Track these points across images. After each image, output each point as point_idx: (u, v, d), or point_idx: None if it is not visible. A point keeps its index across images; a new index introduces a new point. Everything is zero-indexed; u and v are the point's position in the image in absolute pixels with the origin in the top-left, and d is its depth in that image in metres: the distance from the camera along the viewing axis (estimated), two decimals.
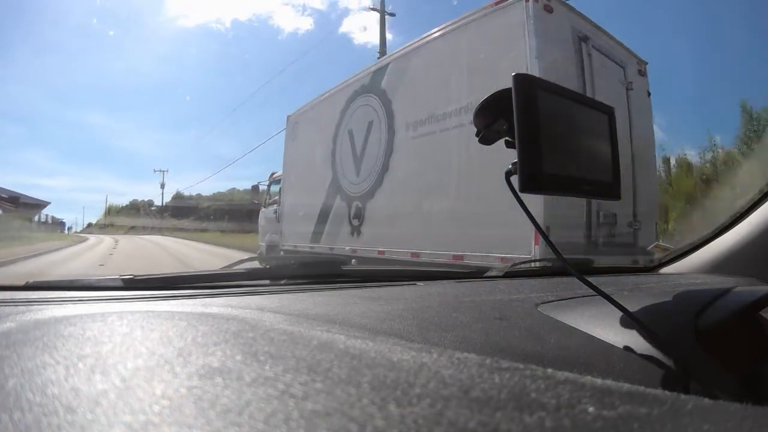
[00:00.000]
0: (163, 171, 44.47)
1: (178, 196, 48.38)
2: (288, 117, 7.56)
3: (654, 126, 4.56)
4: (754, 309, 0.69)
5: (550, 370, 0.28)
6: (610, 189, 0.63)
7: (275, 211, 7.71)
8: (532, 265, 1.21)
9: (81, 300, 0.66)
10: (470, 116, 0.64)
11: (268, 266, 1.24)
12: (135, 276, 0.80)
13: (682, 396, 0.25)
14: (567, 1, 3.86)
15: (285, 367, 0.28)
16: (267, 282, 0.92)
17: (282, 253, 7.05)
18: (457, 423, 0.21)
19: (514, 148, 0.53)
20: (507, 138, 0.58)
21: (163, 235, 34.30)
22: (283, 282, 0.94)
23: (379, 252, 4.92)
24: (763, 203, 1.03)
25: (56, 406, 0.23)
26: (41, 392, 0.25)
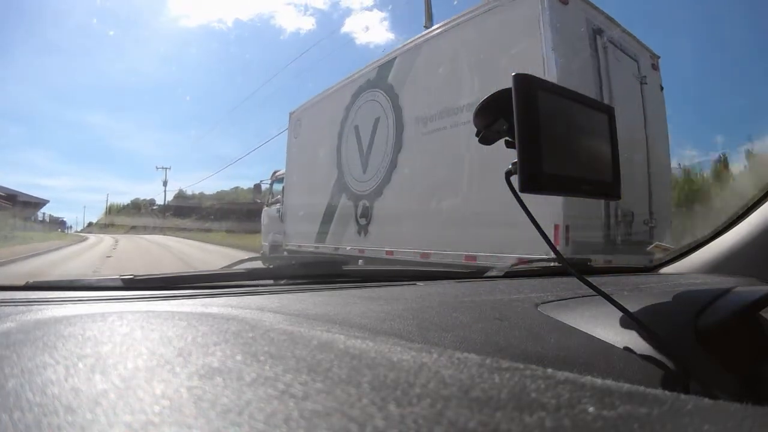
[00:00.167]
0: (166, 168, 42.84)
1: (180, 195, 47.14)
2: (290, 114, 7.39)
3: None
4: (754, 309, 0.69)
5: (550, 370, 0.28)
6: (610, 189, 0.63)
7: (278, 210, 7.54)
8: (532, 265, 1.21)
9: (81, 300, 0.66)
10: None
11: (268, 266, 1.24)
12: (135, 276, 0.80)
13: (682, 396, 0.25)
14: None
15: (285, 367, 0.28)
16: (267, 282, 0.92)
17: (286, 253, 6.92)
18: (457, 423, 0.21)
19: (514, 148, 0.53)
20: (507, 138, 0.58)
21: (165, 234, 33.28)
22: (283, 282, 0.94)
23: (387, 252, 4.77)
24: (763, 203, 1.03)
25: (56, 406, 0.23)
26: (41, 392, 0.25)
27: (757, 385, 0.63)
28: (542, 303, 0.75)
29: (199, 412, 0.22)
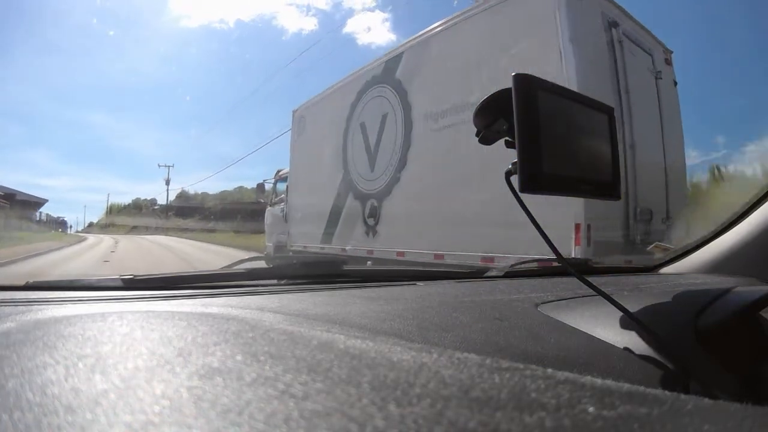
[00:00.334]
0: (169, 166, 41.45)
1: (182, 195, 46.17)
2: (293, 112, 7.24)
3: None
4: (754, 309, 0.69)
5: (550, 370, 0.28)
6: (610, 189, 0.63)
7: (282, 210, 7.41)
8: (532, 265, 1.21)
9: (81, 300, 0.66)
10: None
11: (267, 266, 1.24)
12: (135, 276, 0.80)
13: (682, 396, 0.25)
14: None
15: (285, 367, 0.28)
16: (267, 282, 0.92)
17: (291, 254, 6.78)
18: (457, 423, 0.21)
19: (514, 148, 0.53)
20: (507, 138, 0.58)
21: (167, 235, 32.10)
22: (283, 282, 0.94)
23: (398, 253, 4.61)
24: (763, 203, 1.03)
25: (56, 406, 0.23)
26: (41, 392, 0.25)
27: (757, 385, 0.63)
28: (542, 303, 0.75)
29: (199, 412, 0.22)
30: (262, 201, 8.95)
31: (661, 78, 3.89)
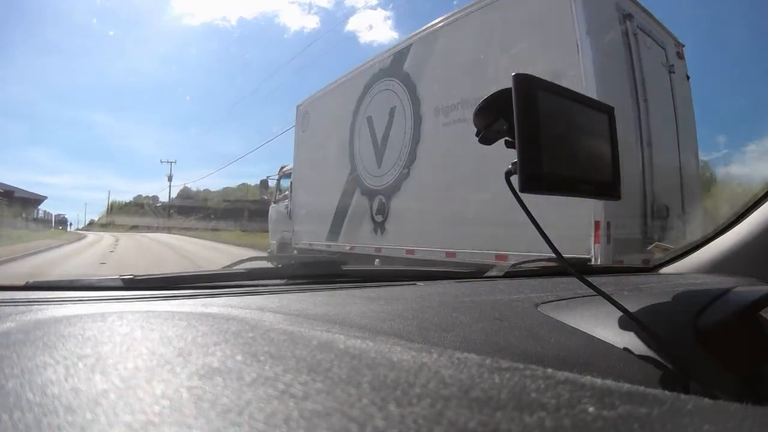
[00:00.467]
0: (171, 162, 39.59)
1: (184, 192, 44.77)
2: (297, 107, 7.04)
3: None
4: (754, 309, 0.69)
5: (550, 370, 0.28)
6: (610, 189, 0.63)
7: (286, 207, 7.23)
8: (532, 265, 1.21)
9: (81, 300, 0.66)
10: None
11: (268, 266, 1.24)
12: (135, 276, 0.80)
13: (682, 396, 0.25)
14: None
15: (285, 367, 0.28)
16: (267, 282, 0.92)
17: (295, 252, 6.66)
18: (457, 423, 0.21)
19: (514, 148, 0.53)
20: (507, 138, 0.58)
21: (171, 233, 30.49)
22: (283, 282, 0.94)
23: (408, 251, 4.45)
24: (764, 203, 1.03)
25: (56, 406, 0.23)
26: (41, 392, 0.25)
27: (757, 385, 0.63)
28: (542, 303, 0.75)
29: (199, 412, 0.22)
30: (266, 198, 8.78)
31: (675, 72, 3.78)
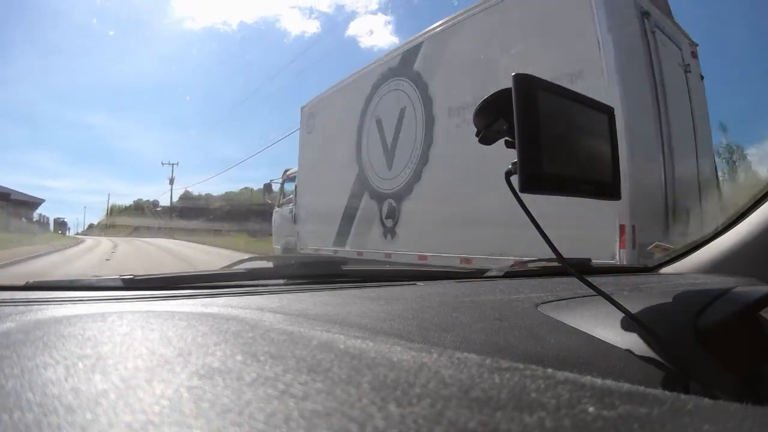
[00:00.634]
0: (173, 164, 38.17)
1: (186, 196, 43.75)
2: (302, 108, 6.92)
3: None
4: (754, 309, 0.69)
5: (550, 370, 0.28)
6: (610, 189, 0.63)
7: (291, 211, 7.14)
8: (532, 265, 1.21)
9: (81, 300, 0.66)
10: None
11: (268, 266, 1.24)
12: (135, 276, 0.80)
13: (682, 396, 0.25)
14: None
15: (285, 367, 0.28)
16: (267, 282, 0.92)
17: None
18: (457, 423, 0.21)
19: (514, 148, 0.53)
20: (507, 138, 0.58)
21: (172, 238, 28.72)
22: (283, 282, 0.94)
23: (420, 257, 4.30)
24: (764, 203, 1.03)
25: (56, 406, 0.23)
26: (41, 392, 0.25)
27: (757, 385, 0.63)
28: (542, 303, 0.75)
29: (199, 412, 0.22)
30: (270, 202, 8.70)
31: (690, 71, 3.70)
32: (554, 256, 0.61)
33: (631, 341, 0.62)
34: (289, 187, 7.49)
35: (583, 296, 0.77)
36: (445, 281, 1.04)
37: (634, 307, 0.65)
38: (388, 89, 5.08)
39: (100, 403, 0.23)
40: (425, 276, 1.09)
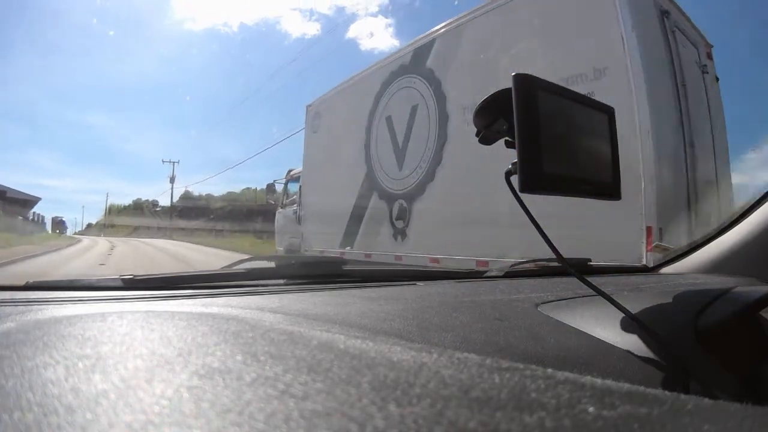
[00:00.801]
0: (174, 162, 36.59)
1: (186, 196, 42.36)
2: (307, 107, 6.76)
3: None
4: (754, 309, 0.69)
5: (550, 370, 0.28)
6: (610, 189, 0.63)
7: (295, 212, 7.01)
8: (532, 265, 1.21)
9: (81, 300, 0.66)
10: None
11: (268, 266, 1.24)
12: (135, 276, 0.80)
13: (682, 396, 0.25)
14: None
15: (285, 367, 0.28)
16: (267, 282, 0.92)
17: None
18: (457, 423, 0.21)
19: (514, 148, 0.53)
20: (507, 138, 0.58)
21: (172, 238, 27.84)
22: (283, 282, 0.94)
23: (432, 259, 4.20)
24: (764, 203, 1.03)
25: (56, 406, 0.23)
26: (41, 392, 0.25)
27: (757, 385, 0.63)
28: (542, 303, 0.75)
29: (199, 412, 0.22)
30: (273, 203, 8.58)
31: (707, 72, 3.64)
32: (554, 256, 0.61)
33: (631, 341, 0.62)
34: (293, 187, 7.38)
35: (583, 296, 0.77)
36: (445, 281, 1.04)
37: (634, 307, 0.65)
38: (398, 87, 4.93)
39: (100, 403, 0.23)
40: (425, 276, 1.09)
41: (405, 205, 4.75)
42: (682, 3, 3.63)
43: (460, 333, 0.58)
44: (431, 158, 4.44)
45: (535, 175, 0.53)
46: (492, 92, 0.57)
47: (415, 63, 4.76)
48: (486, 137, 0.61)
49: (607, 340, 0.63)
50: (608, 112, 0.64)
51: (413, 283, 0.96)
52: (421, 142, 4.55)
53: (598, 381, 0.27)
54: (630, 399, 0.24)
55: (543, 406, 0.23)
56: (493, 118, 0.58)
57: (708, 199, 3.38)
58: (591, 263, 1.18)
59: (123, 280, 0.79)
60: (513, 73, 0.54)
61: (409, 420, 0.21)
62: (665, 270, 1.24)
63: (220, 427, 0.21)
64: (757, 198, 1.05)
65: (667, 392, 0.26)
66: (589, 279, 0.63)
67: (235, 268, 1.14)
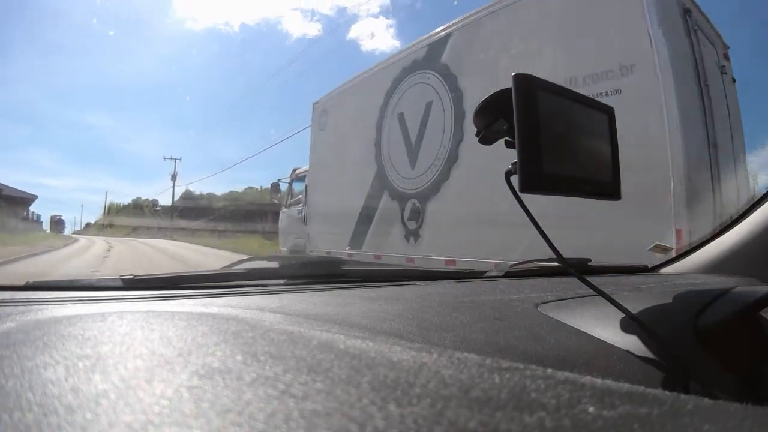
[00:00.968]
0: (175, 159, 34.60)
1: (187, 196, 41.45)
2: (314, 104, 6.54)
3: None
4: (754, 309, 0.69)
5: (550, 370, 0.28)
6: (610, 189, 0.63)
7: (300, 212, 6.85)
8: (532, 265, 1.21)
9: (81, 300, 0.66)
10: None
11: (268, 266, 1.24)
12: (135, 276, 0.80)
13: (682, 396, 0.25)
14: None
15: (285, 367, 0.28)
16: (267, 282, 0.92)
17: None
18: (457, 423, 0.21)
19: (514, 148, 0.53)
20: (507, 138, 0.58)
21: (173, 239, 26.87)
22: (283, 282, 0.94)
23: (448, 261, 4.01)
24: (764, 203, 1.03)
25: (56, 406, 0.23)
26: (41, 392, 0.25)
27: (757, 385, 0.63)
28: (542, 303, 0.75)
29: (199, 412, 0.22)
30: (277, 202, 8.37)
31: (726, 73, 3.56)
32: (554, 256, 0.61)
33: (631, 341, 0.62)
34: (298, 186, 7.24)
35: (583, 296, 0.77)
36: (445, 281, 1.04)
37: (634, 307, 0.65)
38: (411, 83, 4.74)
39: (100, 403, 0.23)
40: (425, 276, 1.09)
41: (418, 205, 4.58)
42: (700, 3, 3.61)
43: (460, 333, 0.58)
44: (446, 156, 4.25)
45: (535, 175, 0.53)
46: (491, 92, 0.57)
47: (429, 58, 4.56)
48: (486, 137, 0.61)
49: (607, 340, 0.63)
50: (608, 112, 0.64)
51: (413, 283, 0.96)
52: (436, 140, 4.37)
53: (598, 381, 0.27)
54: (630, 399, 0.24)
55: (543, 406, 0.23)
56: (493, 118, 0.58)
57: (731, 200, 3.29)
58: (591, 263, 1.18)
59: (123, 280, 0.79)
60: (513, 73, 0.54)
61: (409, 420, 0.21)
62: (665, 270, 1.24)
63: (220, 427, 0.21)
64: (757, 198, 1.05)
65: (667, 392, 0.26)
66: (589, 279, 0.63)
67: (235, 268, 1.14)
